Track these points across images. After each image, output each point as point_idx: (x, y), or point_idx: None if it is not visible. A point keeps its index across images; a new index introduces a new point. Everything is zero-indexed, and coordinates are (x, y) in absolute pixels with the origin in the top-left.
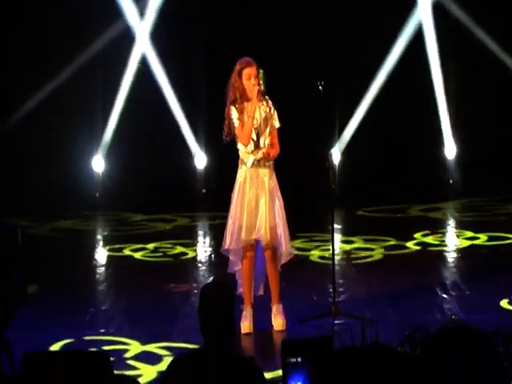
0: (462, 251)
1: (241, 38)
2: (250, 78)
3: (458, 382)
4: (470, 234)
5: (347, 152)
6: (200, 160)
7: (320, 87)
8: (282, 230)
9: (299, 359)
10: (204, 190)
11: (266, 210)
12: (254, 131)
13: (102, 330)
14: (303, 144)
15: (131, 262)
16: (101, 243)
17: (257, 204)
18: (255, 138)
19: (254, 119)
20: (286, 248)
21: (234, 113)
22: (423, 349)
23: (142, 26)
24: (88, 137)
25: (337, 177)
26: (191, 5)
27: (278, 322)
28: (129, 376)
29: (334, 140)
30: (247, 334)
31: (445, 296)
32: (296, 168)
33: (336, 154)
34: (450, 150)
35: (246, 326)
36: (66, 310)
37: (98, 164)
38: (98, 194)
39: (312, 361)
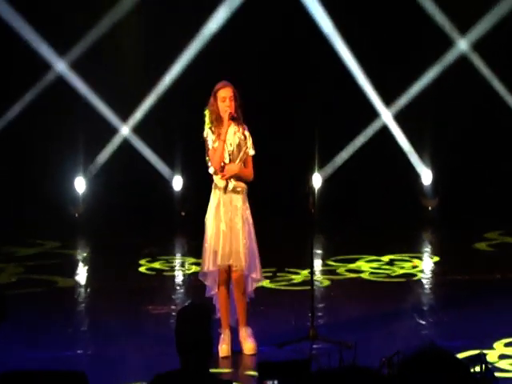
0: (439, 278)
1: (220, 62)
2: (224, 100)
3: None
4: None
5: (332, 178)
6: (176, 182)
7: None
8: (254, 256)
9: (275, 382)
10: (183, 213)
11: (240, 235)
12: (227, 156)
13: (80, 351)
14: (285, 169)
15: (111, 284)
16: (80, 264)
17: (231, 229)
18: (228, 163)
19: (229, 144)
20: (257, 275)
21: (209, 136)
22: (400, 372)
23: None
24: (72, 157)
25: (316, 201)
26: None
27: (248, 345)
28: None
29: (315, 166)
30: (225, 358)
31: (423, 322)
32: (277, 192)
33: (317, 180)
34: (426, 176)
35: (224, 349)
36: (42, 331)
37: (80, 185)
38: (77, 215)
39: (289, 383)
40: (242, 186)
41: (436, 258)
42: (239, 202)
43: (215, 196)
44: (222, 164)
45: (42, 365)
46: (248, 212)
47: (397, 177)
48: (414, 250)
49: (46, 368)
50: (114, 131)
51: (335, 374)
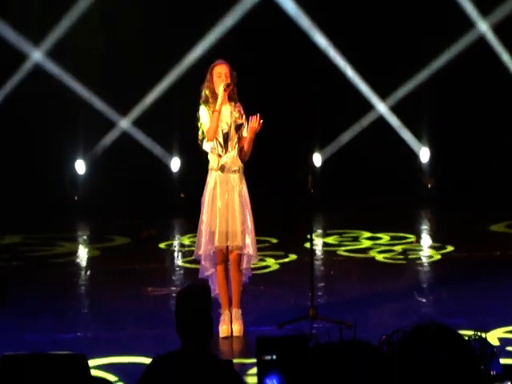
0: (438, 255)
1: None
2: (220, 76)
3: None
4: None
5: (332, 158)
6: (174, 164)
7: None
8: (250, 234)
9: (274, 357)
10: (182, 194)
11: (236, 215)
12: (222, 135)
13: (80, 334)
14: (285, 149)
15: (111, 266)
16: (81, 246)
17: (228, 209)
18: (222, 142)
19: (224, 123)
20: (253, 252)
21: (204, 112)
22: (400, 349)
23: None
24: (72, 140)
25: (316, 181)
26: None
27: (236, 327)
28: (105, 379)
29: (316, 146)
30: (225, 338)
31: (422, 300)
32: (278, 172)
33: (317, 159)
34: (424, 153)
35: (224, 329)
36: (42, 313)
37: (80, 167)
38: (76, 198)
39: (287, 358)
40: (238, 164)
41: (435, 236)
42: (236, 182)
43: (211, 177)
44: (219, 145)
45: (42, 348)
46: (245, 191)
47: (396, 156)
48: (413, 228)
49: (46, 351)
50: (111, 118)
51: (335, 348)
